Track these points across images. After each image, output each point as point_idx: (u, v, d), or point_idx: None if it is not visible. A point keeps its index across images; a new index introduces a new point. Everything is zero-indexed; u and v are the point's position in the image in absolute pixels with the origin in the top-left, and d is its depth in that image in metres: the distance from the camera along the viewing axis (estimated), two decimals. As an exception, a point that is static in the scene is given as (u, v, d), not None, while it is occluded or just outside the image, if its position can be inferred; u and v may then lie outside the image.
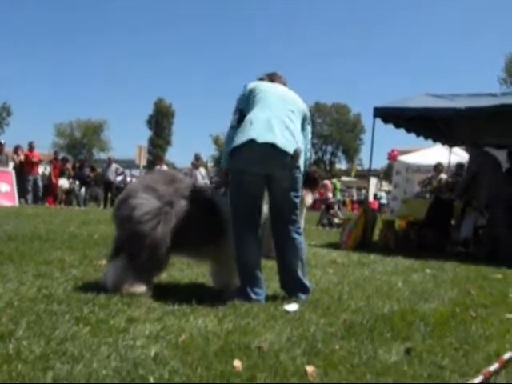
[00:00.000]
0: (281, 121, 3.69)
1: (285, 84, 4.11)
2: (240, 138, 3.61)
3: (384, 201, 29.41)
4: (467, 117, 8.82)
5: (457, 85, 76.26)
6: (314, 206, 19.28)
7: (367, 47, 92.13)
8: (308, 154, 4.04)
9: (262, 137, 3.56)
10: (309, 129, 4.01)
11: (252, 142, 3.55)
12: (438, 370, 2.49)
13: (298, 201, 3.83)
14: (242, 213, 3.70)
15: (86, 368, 2.17)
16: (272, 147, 3.57)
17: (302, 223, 3.98)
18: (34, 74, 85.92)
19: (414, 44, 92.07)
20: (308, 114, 4.01)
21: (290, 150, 3.62)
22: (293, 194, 3.76)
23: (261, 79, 4.12)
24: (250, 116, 3.71)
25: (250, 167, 3.63)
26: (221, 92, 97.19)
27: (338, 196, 19.56)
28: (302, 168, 3.78)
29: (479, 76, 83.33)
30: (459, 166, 10.77)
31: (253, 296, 3.62)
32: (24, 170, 15.83)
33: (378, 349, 2.75)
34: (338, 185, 21.21)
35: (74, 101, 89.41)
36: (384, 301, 4.07)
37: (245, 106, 3.82)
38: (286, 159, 3.62)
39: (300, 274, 3.84)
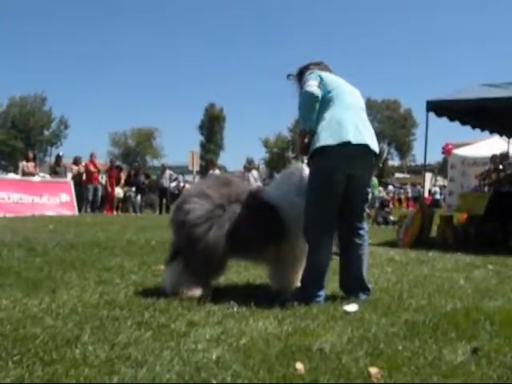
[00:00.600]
0: (361, 120, 3.75)
1: None
2: (330, 138, 3.58)
3: (438, 196, 28.67)
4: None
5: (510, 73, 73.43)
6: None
7: (417, 41, 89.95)
8: None
9: (356, 138, 3.59)
10: None
11: (347, 143, 3.56)
12: (509, 372, 2.39)
13: (369, 198, 3.94)
14: (323, 213, 3.65)
15: (149, 372, 2.21)
16: (365, 148, 3.64)
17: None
18: (87, 86, 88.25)
19: (464, 36, 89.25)
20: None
21: (377, 149, 3.74)
22: (367, 190, 3.88)
23: (316, 64, 4.02)
24: (335, 115, 3.66)
25: (341, 166, 3.63)
26: (267, 94, 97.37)
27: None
28: None
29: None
30: (504, 155, 10.38)
31: (316, 299, 3.60)
32: (84, 179, 16.37)
33: (443, 349, 2.67)
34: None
35: (128, 109, 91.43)
36: (446, 299, 3.95)
37: (321, 86, 3.74)
38: (374, 158, 3.76)
39: (364, 273, 3.82)
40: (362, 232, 3.83)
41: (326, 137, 3.60)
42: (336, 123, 3.63)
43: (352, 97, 3.83)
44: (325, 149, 3.59)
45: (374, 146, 3.71)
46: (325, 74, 3.85)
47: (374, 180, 20.61)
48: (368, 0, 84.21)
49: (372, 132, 3.77)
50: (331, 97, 3.73)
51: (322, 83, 3.74)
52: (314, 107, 3.70)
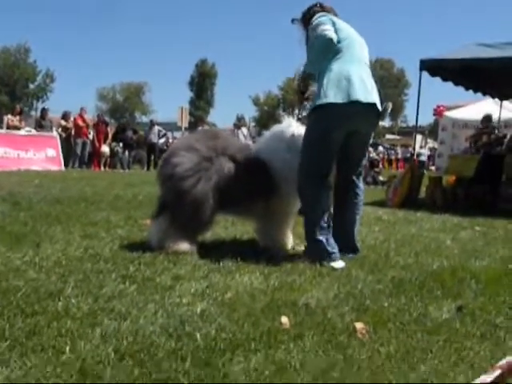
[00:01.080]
0: (368, 75, 3.66)
1: None
2: (339, 95, 3.47)
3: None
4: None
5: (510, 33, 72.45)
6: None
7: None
8: None
9: (365, 97, 3.50)
10: None
11: (355, 102, 3.45)
12: (493, 329, 2.40)
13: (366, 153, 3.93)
14: (318, 170, 3.57)
15: (133, 324, 2.18)
16: (372, 106, 3.56)
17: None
18: (75, 40, 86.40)
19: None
20: None
21: (381, 107, 3.65)
22: (367, 147, 3.89)
23: (321, 6, 3.86)
24: (343, 69, 3.53)
25: (344, 124, 3.55)
26: (259, 53, 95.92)
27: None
28: None
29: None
30: (487, 117, 10.36)
31: (329, 249, 3.50)
32: (73, 134, 16.13)
33: (429, 306, 2.68)
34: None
35: (117, 65, 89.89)
36: (433, 258, 3.96)
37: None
38: (376, 115, 3.65)
39: (355, 233, 3.80)
40: (358, 191, 3.79)
41: (334, 93, 3.47)
42: (345, 78, 3.49)
43: (360, 49, 3.70)
44: (331, 105, 3.47)
45: (379, 103, 3.63)
46: (337, 20, 3.68)
47: None
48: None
49: (376, 89, 3.68)
50: (341, 47, 3.59)
51: (335, 28, 3.59)
52: (328, 53, 3.57)
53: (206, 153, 3.58)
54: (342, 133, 3.58)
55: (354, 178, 3.79)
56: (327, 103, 3.47)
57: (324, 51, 3.56)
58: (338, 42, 3.57)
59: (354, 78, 3.50)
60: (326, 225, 3.56)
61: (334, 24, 3.60)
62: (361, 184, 3.84)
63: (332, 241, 3.56)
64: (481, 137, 10.27)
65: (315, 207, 3.56)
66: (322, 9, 3.83)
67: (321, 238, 3.52)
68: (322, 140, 3.55)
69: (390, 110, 3.69)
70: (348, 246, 3.75)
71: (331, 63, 3.57)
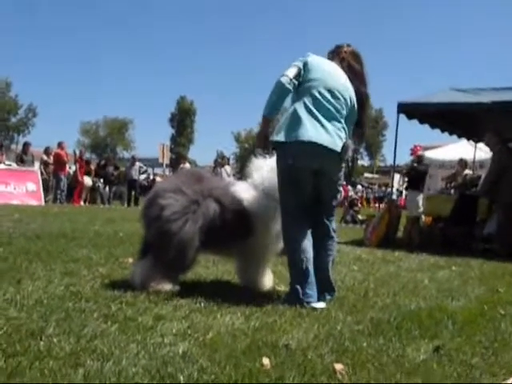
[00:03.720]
0: (333, 118, 3.62)
1: (350, 58, 3.91)
2: (289, 134, 3.54)
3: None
4: (492, 111, 8.68)
5: (482, 79, 74.86)
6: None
7: (386, 40, 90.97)
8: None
9: (312, 137, 3.50)
10: (354, 113, 3.85)
11: (306, 142, 3.50)
12: (468, 369, 2.45)
13: (338, 195, 3.86)
14: (293, 210, 3.63)
15: (115, 365, 2.19)
16: (321, 146, 3.53)
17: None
18: (60, 74, 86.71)
19: (435, 38, 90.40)
20: (354, 99, 3.81)
21: (339, 147, 3.60)
22: (337, 187, 3.79)
23: (337, 47, 3.95)
24: (300, 108, 3.59)
25: (300, 162, 3.56)
26: (240, 89, 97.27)
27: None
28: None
29: (504, 70, 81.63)
30: (463, 162, 10.70)
31: (304, 298, 3.51)
32: (54, 168, 16.04)
33: (407, 347, 2.72)
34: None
35: (98, 100, 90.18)
36: (410, 298, 4.03)
37: (302, 75, 3.65)
38: (335, 156, 3.61)
39: (330, 273, 3.77)
40: (330, 233, 3.78)
41: (283, 131, 3.57)
42: (298, 118, 3.56)
43: (333, 91, 3.66)
44: (283, 144, 3.57)
45: (336, 143, 3.58)
46: (315, 60, 3.72)
47: None
48: None
49: (343, 127, 3.66)
50: (307, 86, 3.64)
51: (305, 68, 3.65)
52: (282, 98, 3.64)
53: (193, 196, 3.63)
54: (304, 171, 3.59)
55: (326, 220, 3.78)
56: (277, 141, 3.58)
57: (279, 96, 3.63)
58: (308, 80, 3.64)
59: (306, 117, 3.55)
60: (304, 266, 3.56)
61: (305, 64, 3.67)
62: (333, 225, 3.83)
63: (312, 282, 3.58)
64: (456, 177, 10.54)
65: (294, 249, 3.61)
66: (335, 52, 3.93)
67: (297, 286, 3.55)
68: (288, 176, 3.61)
69: (351, 149, 3.70)
70: (325, 287, 3.73)
71: (292, 102, 3.68)
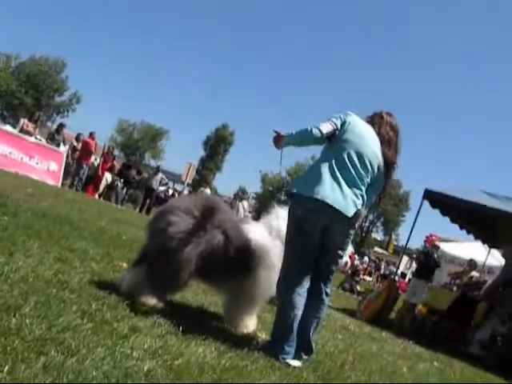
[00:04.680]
0: (353, 182, 3.61)
1: (389, 126, 3.91)
2: (306, 188, 3.56)
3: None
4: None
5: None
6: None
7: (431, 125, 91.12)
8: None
9: (327, 197, 3.49)
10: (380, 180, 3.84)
11: (316, 199, 3.50)
12: None
13: (340, 261, 3.80)
14: (294, 262, 3.60)
15: (78, 363, 2.17)
16: (333, 208, 3.51)
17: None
18: (114, 67, 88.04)
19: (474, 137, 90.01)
20: (382, 168, 3.80)
21: (350, 213, 3.56)
22: (340, 252, 3.72)
23: (375, 113, 3.98)
24: (324, 166, 3.62)
25: (311, 216, 3.56)
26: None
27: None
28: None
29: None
30: (472, 263, 10.62)
31: (280, 353, 3.46)
32: (79, 156, 16.28)
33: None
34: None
35: (143, 102, 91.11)
36: (385, 382, 3.94)
37: (336, 134, 3.69)
38: (345, 220, 3.57)
39: (311, 335, 3.68)
40: (323, 297, 3.72)
41: (303, 185, 3.63)
42: (319, 175, 3.57)
43: (362, 157, 3.66)
44: (298, 195, 3.62)
45: (347, 208, 3.55)
46: (353, 122, 3.74)
47: None
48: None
49: (356, 194, 3.62)
50: (339, 146, 3.67)
51: (342, 128, 3.69)
52: (304, 144, 3.75)
53: (202, 221, 3.64)
54: (312, 224, 3.57)
55: (321, 282, 3.72)
56: (294, 192, 3.64)
57: (305, 140, 3.70)
58: (342, 140, 3.66)
59: (328, 179, 3.55)
60: (290, 322, 3.52)
61: (344, 123, 3.70)
62: (328, 289, 3.77)
63: (293, 339, 3.53)
64: (462, 276, 10.45)
65: (286, 301, 3.57)
66: (373, 117, 3.95)
67: (277, 339, 3.52)
68: (295, 225, 3.60)
69: (362, 217, 3.68)
70: (304, 347, 3.65)
71: (322, 156, 3.74)
